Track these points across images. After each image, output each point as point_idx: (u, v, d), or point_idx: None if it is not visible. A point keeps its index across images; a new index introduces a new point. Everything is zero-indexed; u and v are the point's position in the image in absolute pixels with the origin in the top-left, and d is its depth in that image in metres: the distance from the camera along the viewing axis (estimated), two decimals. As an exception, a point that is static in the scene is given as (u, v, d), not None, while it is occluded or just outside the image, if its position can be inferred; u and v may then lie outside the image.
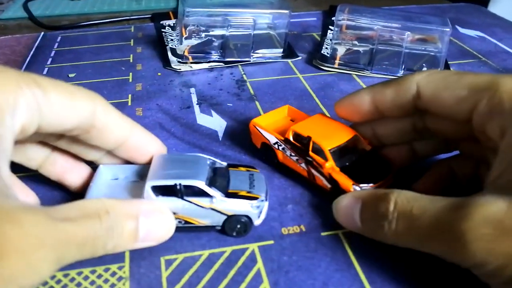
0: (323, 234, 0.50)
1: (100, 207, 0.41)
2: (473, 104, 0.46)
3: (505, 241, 0.37)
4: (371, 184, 0.52)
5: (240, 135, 0.65)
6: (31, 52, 0.94)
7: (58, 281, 0.45)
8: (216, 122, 0.69)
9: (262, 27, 0.91)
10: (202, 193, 0.49)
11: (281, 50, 0.90)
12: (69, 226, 0.38)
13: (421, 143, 0.57)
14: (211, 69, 0.85)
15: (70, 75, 0.83)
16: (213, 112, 0.72)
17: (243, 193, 0.50)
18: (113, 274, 0.46)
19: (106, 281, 0.45)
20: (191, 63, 0.85)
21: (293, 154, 0.57)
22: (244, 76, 0.83)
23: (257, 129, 0.61)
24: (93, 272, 0.46)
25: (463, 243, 0.38)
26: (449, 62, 0.88)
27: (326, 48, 0.92)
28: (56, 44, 0.98)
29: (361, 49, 0.88)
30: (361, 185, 0.52)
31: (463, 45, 0.98)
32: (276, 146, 0.59)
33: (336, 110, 0.58)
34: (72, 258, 0.39)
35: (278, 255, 0.48)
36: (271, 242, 0.49)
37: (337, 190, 0.53)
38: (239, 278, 0.46)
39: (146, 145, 0.54)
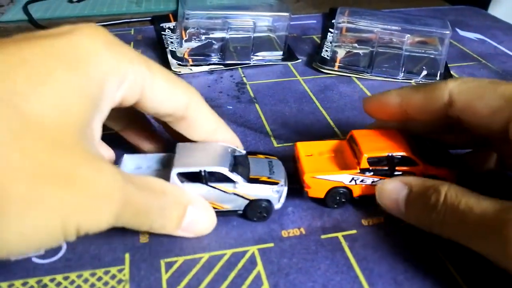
0: (323, 236, 0.50)
1: (159, 186, 0.47)
2: (509, 115, 0.45)
3: None
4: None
5: (240, 137, 0.64)
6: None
7: (58, 284, 0.45)
8: (216, 125, 0.69)
9: (262, 30, 0.91)
10: (225, 179, 0.50)
11: (281, 52, 0.90)
12: (134, 191, 0.43)
13: (451, 136, 0.57)
14: (211, 72, 0.85)
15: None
16: (213, 115, 0.72)
17: (264, 178, 0.52)
18: (113, 276, 0.46)
19: (106, 283, 0.45)
20: (191, 65, 0.85)
21: (375, 179, 0.54)
22: (244, 78, 0.83)
23: (320, 178, 0.54)
24: (93, 274, 0.46)
25: (507, 246, 0.39)
26: (449, 65, 0.88)
27: (326, 50, 0.92)
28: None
29: (361, 51, 0.88)
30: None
31: (463, 48, 0.98)
32: (352, 183, 0.54)
33: (364, 106, 0.58)
34: (124, 222, 0.43)
35: (278, 257, 0.48)
36: (271, 244, 0.49)
37: None
38: (239, 281, 0.46)
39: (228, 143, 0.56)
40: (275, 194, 0.52)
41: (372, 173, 0.53)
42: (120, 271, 0.46)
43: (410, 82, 0.82)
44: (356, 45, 0.89)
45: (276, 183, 0.52)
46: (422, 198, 0.47)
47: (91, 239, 0.50)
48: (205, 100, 0.54)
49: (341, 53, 0.89)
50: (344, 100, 0.77)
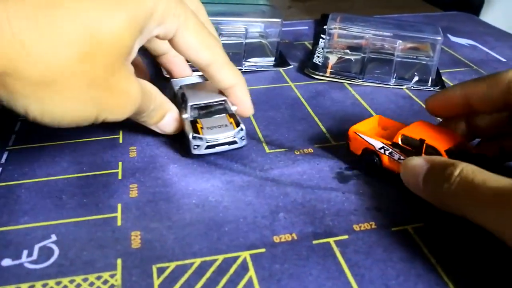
0: (314, 242, 0.50)
1: (154, 91, 0.61)
2: None
3: None
4: None
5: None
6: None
7: (50, 289, 0.45)
8: (208, 131, 0.69)
9: (254, 36, 0.91)
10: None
11: (273, 58, 0.90)
12: (143, 96, 0.57)
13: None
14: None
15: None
16: (205, 121, 0.72)
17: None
18: (105, 282, 0.46)
19: (98, 289, 0.45)
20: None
21: (402, 157, 0.57)
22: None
23: (360, 136, 0.62)
24: (85, 280, 0.46)
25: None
26: (440, 71, 0.88)
27: (318, 56, 0.92)
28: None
29: (352, 57, 0.88)
30: None
31: (455, 54, 0.98)
32: (382, 151, 0.60)
33: (427, 105, 0.60)
34: (131, 117, 0.58)
35: (270, 263, 0.48)
36: (263, 250, 0.49)
37: None
38: (231, 286, 0.46)
39: (242, 100, 0.66)
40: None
41: (399, 149, 0.58)
42: (112, 276, 0.47)
43: (402, 88, 0.82)
44: (348, 51, 0.89)
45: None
46: (439, 171, 0.48)
47: (83, 245, 0.50)
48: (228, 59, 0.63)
49: (333, 59, 0.89)
50: (336, 106, 0.77)
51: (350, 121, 0.66)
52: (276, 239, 0.51)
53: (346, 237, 0.51)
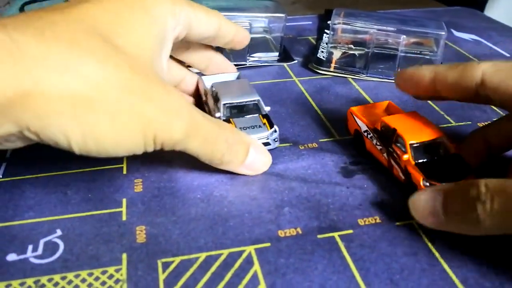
0: (319, 236, 0.51)
1: (226, 124, 0.58)
2: None
3: None
4: (440, 183, 0.52)
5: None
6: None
7: (56, 284, 0.45)
8: (212, 126, 0.69)
9: (258, 31, 0.91)
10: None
11: (277, 53, 0.90)
12: (201, 117, 0.53)
13: None
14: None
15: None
16: (209, 116, 0.72)
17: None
18: (111, 276, 0.46)
19: (103, 283, 0.45)
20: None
21: (378, 143, 0.60)
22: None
23: (353, 117, 0.66)
24: (90, 274, 0.46)
25: None
26: (444, 66, 0.88)
27: (322, 51, 0.92)
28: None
29: (356, 52, 0.88)
30: (432, 182, 0.53)
31: (459, 49, 0.98)
32: (365, 134, 0.63)
33: (396, 80, 0.61)
34: (195, 146, 0.53)
35: (275, 257, 0.48)
36: (268, 244, 0.50)
37: (411, 184, 0.55)
38: (236, 281, 0.46)
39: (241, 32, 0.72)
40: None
41: (377, 135, 0.60)
42: (117, 271, 0.47)
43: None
44: (351, 46, 0.89)
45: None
46: (461, 195, 0.45)
47: (89, 240, 0.50)
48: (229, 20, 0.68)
49: (336, 54, 0.89)
50: (340, 101, 0.77)
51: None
52: (281, 233, 0.51)
53: (351, 231, 0.51)
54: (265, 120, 0.63)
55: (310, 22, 1.13)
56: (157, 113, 0.48)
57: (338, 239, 0.50)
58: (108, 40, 0.47)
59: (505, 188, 0.42)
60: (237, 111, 0.64)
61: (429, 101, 0.75)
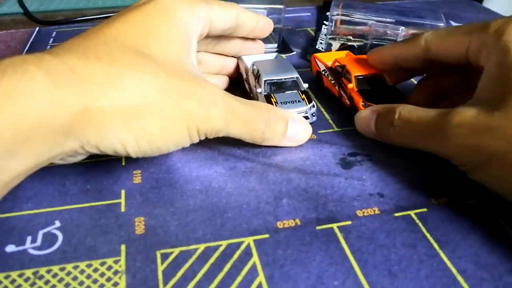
0: (318, 228, 0.51)
1: (261, 104, 0.60)
2: (468, 43, 0.57)
3: (473, 138, 0.49)
4: (376, 104, 0.64)
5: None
6: (26, 48, 0.94)
7: (55, 275, 0.45)
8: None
9: (257, 22, 0.91)
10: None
11: (276, 45, 0.90)
12: (236, 102, 0.56)
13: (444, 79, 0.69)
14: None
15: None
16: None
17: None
18: (109, 268, 0.46)
19: (102, 274, 0.45)
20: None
21: (332, 78, 0.73)
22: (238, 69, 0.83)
23: (315, 60, 0.78)
24: (89, 266, 0.46)
25: (446, 139, 0.51)
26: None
27: (321, 43, 0.92)
28: (51, 39, 0.98)
29: (355, 44, 0.88)
30: (369, 104, 0.65)
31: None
32: (323, 73, 0.76)
33: (368, 58, 0.71)
34: (237, 130, 0.56)
35: (273, 248, 0.48)
36: (266, 236, 0.50)
37: (354, 107, 0.68)
38: (235, 272, 0.46)
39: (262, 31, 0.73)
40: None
41: (331, 72, 0.74)
42: (116, 262, 0.47)
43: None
44: (350, 37, 0.89)
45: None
46: (384, 118, 0.60)
47: (87, 231, 0.50)
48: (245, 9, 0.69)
49: (335, 45, 0.89)
50: (338, 93, 0.77)
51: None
52: (279, 224, 0.51)
53: (349, 222, 0.51)
54: (303, 96, 0.67)
55: (309, 14, 1.13)
56: (195, 106, 0.51)
57: (336, 231, 0.50)
58: (140, 52, 0.51)
59: (410, 117, 0.56)
60: (277, 87, 0.68)
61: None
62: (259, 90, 0.67)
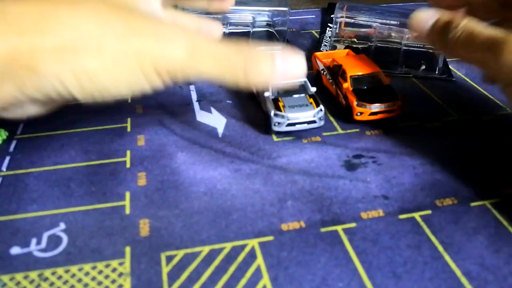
0: (322, 230, 0.51)
1: (244, 43, 0.52)
2: None
3: None
4: (370, 103, 0.67)
5: (239, 132, 0.65)
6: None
7: (59, 277, 0.45)
8: (215, 119, 0.70)
9: (261, 25, 0.91)
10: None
11: (280, 47, 0.90)
12: (204, 39, 0.50)
13: None
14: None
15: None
16: (212, 109, 0.72)
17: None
18: (114, 270, 0.46)
19: (107, 277, 0.46)
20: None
21: (329, 77, 0.75)
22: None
23: (315, 59, 0.80)
24: (94, 268, 0.46)
25: (500, 54, 0.51)
26: (448, 60, 0.88)
27: (325, 45, 0.92)
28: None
29: (360, 46, 0.88)
30: (362, 103, 0.67)
31: (462, 42, 0.98)
32: (322, 72, 0.78)
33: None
34: (208, 69, 0.49)
35: (278, 250, 0.48)
36: (271, 238, 0.50)
37: (349, 107, 0.68)
38: (239, 274, 0.46)
39: None
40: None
41: (329, 71, 0.75)
42: (120, 264, 0.47)
43: (409, 77, 0.82)
44: (355, 40, 0.89)
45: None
46: (447, 23, 0.58)
47: (92, 233, 0.50)
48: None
49: (340, 48, 0.89)
50: (343, 95, 0.77)
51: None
52: (284, 227, 0.51)
53: (353, 224, 0.51)
54: (311, 100, 0.66)
55: (314, 16, 1.13)
56: (148, 42, 0.47)
57: (341, 232, 0.50)
58: None
59: (476, 28, 0.55)
60: (285, 90, 0.68)
61: (432, 95, 0.75)
62: (266, 93, 0.66)
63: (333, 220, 0.52)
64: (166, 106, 0.73)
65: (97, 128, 0.66)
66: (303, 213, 0.53)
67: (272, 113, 0.64)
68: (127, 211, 0.53)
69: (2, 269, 0.46)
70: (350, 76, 0.70)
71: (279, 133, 0.65)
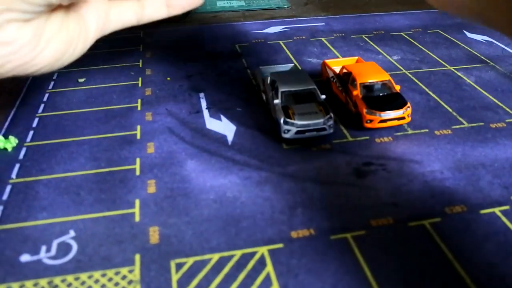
0: (332, 237, 0.51)
1: None
2: None
3: None
4: (379, 111, 0.67)
5: (249, 139, 0.65)
6: None
7: (69, 285, 0.46)
8: (225, 127, 0.70)
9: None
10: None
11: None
12: None
13: None
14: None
15: (80, 80, 0.83)
16: (222, 117, 0.72)
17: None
18: (124, 277, 0.46)
19: (116, 284, 0.46)
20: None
21: (339, 85, 0.75)
22: (253, 80, 0.83)
23: (325, 67, 0.81)
24: (103, 275, 0.46)
25: None
26: (457, 67, 0.88)
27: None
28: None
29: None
30: (372, 111, 0.67)
31: (471, 50, 0.98)
32: (332, 79, 0.78)
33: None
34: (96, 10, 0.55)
35: (288, 258, 0.48)
36: (281, 245, 0.50)
37: (359, 115, 0.68)
38: (249, 282, 0.46)
39: None
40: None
41: (338, 79, 0.76)
42: (130, 271, 0.47)
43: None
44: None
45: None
46: None
47: (102, 240, 0.50)
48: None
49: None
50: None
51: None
52: (293, 234, 0.51)
53: (363, 232, 0.51)
54: (321, 107, 0.67)
55: (323, 24, 1.13)
56: None
57: (350, 240, 0.50)
58: None
59: None
60: (294, 98, 0.68)
61: (442, 103, 0.75)
62: (276, 101, 0.67)
63: (342, 227, 0.52)
64: (175, 113, 0.73)
65: (107, 136, 0.67)
66: (312, 221, 0.53)
67: (281, 121, 0.63)
68: (137, 218, 0.53)
69: (12, 276, 0.46)
70: (360, 84, 0.71)
71: (288, 141, 0.65)
